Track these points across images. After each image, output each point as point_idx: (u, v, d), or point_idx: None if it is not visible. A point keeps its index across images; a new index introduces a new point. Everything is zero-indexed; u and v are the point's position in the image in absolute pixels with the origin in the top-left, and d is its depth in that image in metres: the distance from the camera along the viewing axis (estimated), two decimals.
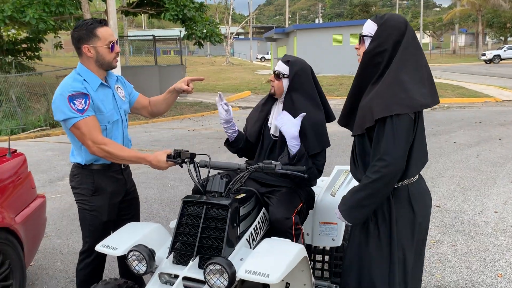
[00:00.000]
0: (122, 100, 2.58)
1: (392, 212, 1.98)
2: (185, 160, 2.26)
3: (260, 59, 57.08)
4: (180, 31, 17.51)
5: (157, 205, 5.29)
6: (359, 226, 2.06)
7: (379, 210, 2.00)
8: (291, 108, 2.52)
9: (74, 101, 2.29)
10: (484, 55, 41.18)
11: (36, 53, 19.85)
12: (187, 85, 2.65)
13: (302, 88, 2.56)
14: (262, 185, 2.57)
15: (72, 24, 14.79)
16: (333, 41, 27.89)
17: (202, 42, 16.06)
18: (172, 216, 4.87)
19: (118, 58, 2.52)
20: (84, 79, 2.37)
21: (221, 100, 2.56)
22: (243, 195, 2.29)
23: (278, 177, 2.51)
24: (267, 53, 55.56)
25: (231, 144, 2.74)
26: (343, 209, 2.03)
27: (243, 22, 55.19)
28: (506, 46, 41.93)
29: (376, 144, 1.90)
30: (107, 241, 2.17)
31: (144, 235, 2.17)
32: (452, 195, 5.39)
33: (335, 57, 26.71)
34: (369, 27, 2.01)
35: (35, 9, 12.10)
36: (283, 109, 2.57)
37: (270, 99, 2.72)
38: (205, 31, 15.11)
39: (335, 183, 3.04)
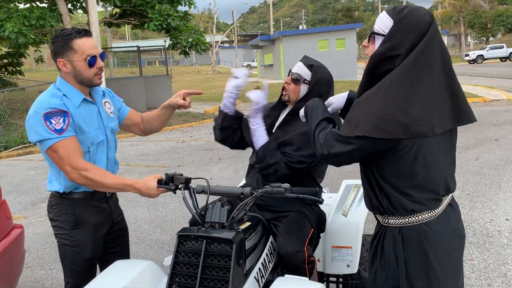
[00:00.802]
0: (110, 116, 2.26)
1: (399, 253, 1.61)
2: (179, 186, 1.95)
3: (246, 66, 56.97)
4: (165, 41, 17.20)
5: (147, 226, 4.94)
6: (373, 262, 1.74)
7: (386, 250, 1.65)
8: (297, 119, 2.23)
9: (51, 120, 1.95)
10: (467, 55, 41.61)
11: (18, 68, 19.35)
12: (184, 99, 2.34)
13: (318, 95, 2.23)
14: (265, 208, 2.27)
15: None
16: (319, 47, 27.84)
17: (188, 51, 15.77)
18: (164, 238, 4.53)
19: (103, 74, 2.17)
20: (64, 94, 2.04)
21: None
22: (247, 224, 1.99)
23: (284, 200, 2.21)
24: (253, 60, 55.48)
25: (225, 124, 2.41)
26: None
27: (228, 31, 55.07)
28: (489, 46, 42.44)
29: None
30: (93, 285, 1.84)
31: (134, 276, 1.84)
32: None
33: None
34: (383, 22, 1.58)
35: (14, 23, 11.68)
36: (287, 117, 2.30)
37: (280, 105, 2.43)
38: (190, 40, 14.82)
39: (345, 201, 2.75)
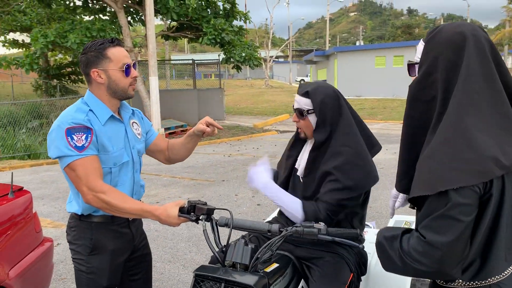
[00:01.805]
0: (137, 138, 2.12)
1: None
2: (200, 217, 1.75)
3: (300, 81, 56.74)
4: (219, 55, 17.41)
5: (184, 243, 4.80)
6: None
7: None
8: (324, 149, 1.98)
9: (73, 135, 1.83)
10: None
11: (80, 77, 20.38)
12: (208, 126, 2.15)
13: (333, 118, 1.99)
14: (295, 243, 2.01)
15: None
16: (376, 63, 27.12)
17: (240, 66, 15.82)
18: (199, 259, 4.35)
19: (140, 85, 2.02)
20: (91, 110, 1.93)
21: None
22: (275, 265, 1.74)
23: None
24: (306, 76, 55.23)
25: None
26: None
27: (283, 46, 55.30)
28: None
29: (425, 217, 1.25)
30: None
31: None
32: None
33: (378, 80, 25.90)
34: (419, 50, 1.37)
35: (77, 34, 12.25)
36: (311, 152, 2.04)
37: (298, 141, 2.18)
38: (243, 54, 14.86)
39: None
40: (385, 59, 27.11)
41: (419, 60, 1.35)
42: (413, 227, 2.37)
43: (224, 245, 1.69)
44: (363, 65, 26.83)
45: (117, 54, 1.93)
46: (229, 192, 7.01)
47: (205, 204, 1.78)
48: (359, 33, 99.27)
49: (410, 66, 1.40)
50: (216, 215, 1.77)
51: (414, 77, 1.39)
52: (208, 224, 1.75)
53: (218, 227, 1.75)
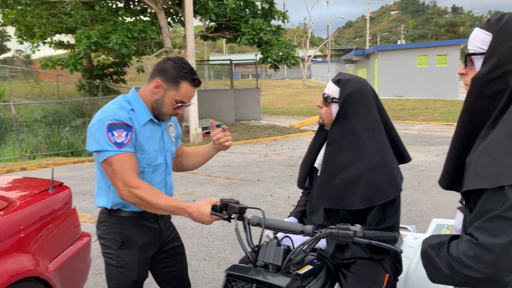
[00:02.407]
0: (173, 141, 2.16)
1: None
2: (232, 216, 1.72)
3: None
4: (256, 55, 17.44)
5: (219, 242, 4.80)
6: None
7: None
8: (339, 146, 1.89)
9: (114, 132, 1.85)
10: None
11: (122, 77, 20.95)
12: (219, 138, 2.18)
13: (356, 116, 1.89)
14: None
15: (155, 49, 15.29)
16: (418, 63, 26.34)
17: (278, 65, 15.76)
18: (234, 258, 4.34)
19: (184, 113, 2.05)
20: (133, 109, 1.95)
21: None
22: (308, 267, 1.68)
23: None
24: None
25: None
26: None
27: (321, 45, 54.75)
28: None
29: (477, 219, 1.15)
30: None
31: None
32: None
33: (420, 80, 25.16)
34: (479, 39, 1.27)
35: (118, 35, 12.58)
36: (326, 146, 1.96)
37: (321, 133, 2.11)
38: (280, 53, 14.80)
39: None
40: (428, 59, 26.28)
41: (478, 50, 1.26)
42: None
43: (256, 245, 1.65)
44: (404, 64, 26.13)
45: (185, 92, 1.95)
46: (264, 192, 6.98)
47: (238, 203, 1.75)
48: (401, 32, 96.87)
49: (473, 56, 1.29)
50: (248, 214, 1.73)
51: (471, 73, 1.29)
52: (240, 223, 1.72)
53: (251, 226, 1.72)
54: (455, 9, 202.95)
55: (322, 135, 2.09)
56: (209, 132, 14.52)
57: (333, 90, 1.94)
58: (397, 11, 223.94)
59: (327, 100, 1.95)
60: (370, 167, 1.80)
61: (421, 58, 26.48)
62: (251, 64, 31.11)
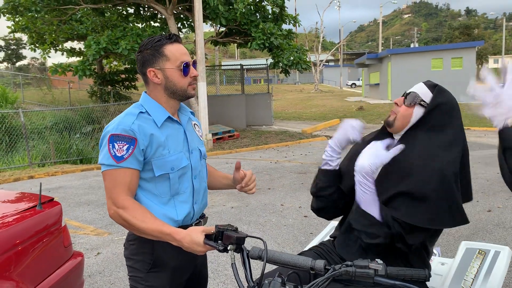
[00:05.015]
0: (200, 139, 1.93)
1: None
2: (229, 247, 1.45)
3: (350, 85, 55.55)
4: (266, 60, 17.22)
5: (225, 257, 4.53)
6: None
7: None
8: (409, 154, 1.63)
9: (115, 143, 1.65)
10: None
11: (133, 83, 20.92)
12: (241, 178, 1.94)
13: (441, 130, 1.66)
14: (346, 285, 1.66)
15: None
16: (432, 66, 25.84)
17: (288, 70, 15.49)
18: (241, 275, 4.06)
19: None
20: (147, 111, 1.73)
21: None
22: None
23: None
24: (358, 79, 53.91)
25: (322, 185, 1.89)
26: None
27: (333, 49, 54.38)
28: None
29: None
30: None
31: None
32: None
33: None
34: None
35: (128, 41, 12.47)
36: (390, 162, 1.67)
37: (382, 134, 1.82)
38: (291, 58, 14.54)
39: (466, 271, 2.01)
40: (443, 62, 25.77)
41: None
42: (490, 258, 1.95)
43: (257, 283, 1.38)
44: (418, 68, 25.65)
45: (175, 52, 1.72)
46: (274, 201, 6.70)
47: (236, 230, 1.49)
48: (414, 35, 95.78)
49: None
50: (248, 245, 1.47)
51: None
52: (238, 255, 1.45)
53: (250, 259, 1.45)
54: (468, 11, 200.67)
55: (382, 136, 1.80)
56: (219, 138, 14.32)
57: (423, 93, 1.73)
58: (409, 15, 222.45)
59: (414, 100, 1.72)
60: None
61: (436, 61, 25.97)
62: (262, 69, 30.92)
